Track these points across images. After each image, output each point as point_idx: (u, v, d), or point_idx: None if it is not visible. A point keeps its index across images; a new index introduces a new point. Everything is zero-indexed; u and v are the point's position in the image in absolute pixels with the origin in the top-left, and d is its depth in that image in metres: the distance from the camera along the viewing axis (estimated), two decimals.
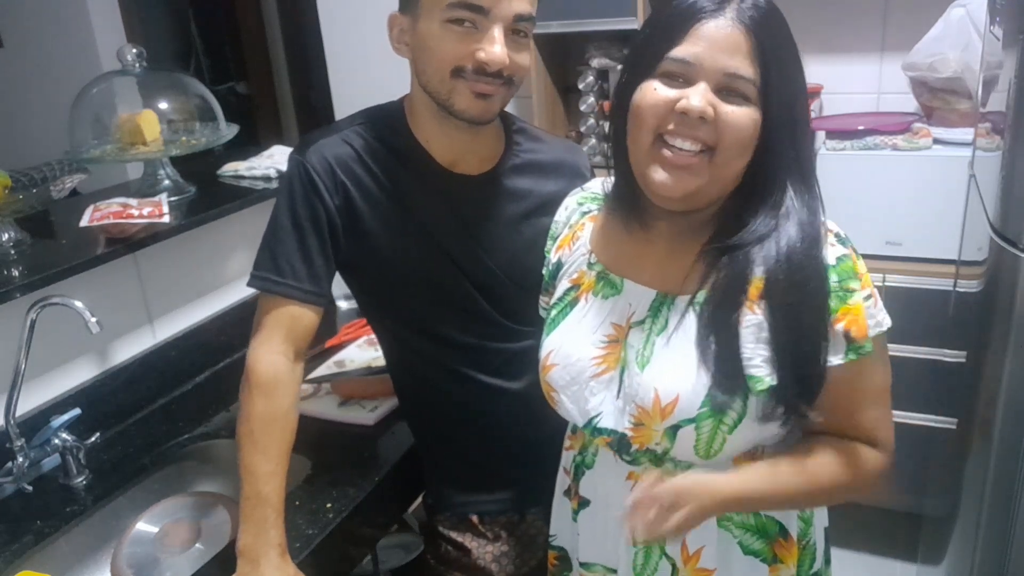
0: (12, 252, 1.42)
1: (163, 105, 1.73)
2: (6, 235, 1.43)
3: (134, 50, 1.69)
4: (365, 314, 1.29)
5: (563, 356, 0.98)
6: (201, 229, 1.65)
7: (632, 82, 0.90)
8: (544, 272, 1.12)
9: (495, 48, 1.01)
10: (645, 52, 0.89)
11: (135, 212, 1.46)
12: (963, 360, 1.71)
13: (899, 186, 1.97)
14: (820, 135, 2.12)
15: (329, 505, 1.21)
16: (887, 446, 0.93)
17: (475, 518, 1.24)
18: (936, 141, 1.99)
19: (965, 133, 1.92)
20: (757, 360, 0.87)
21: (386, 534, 1.48)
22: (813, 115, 2.23)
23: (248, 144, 2.26)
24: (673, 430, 0.89)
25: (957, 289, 1.85)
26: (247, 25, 4.22)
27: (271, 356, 1.08)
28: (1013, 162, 1.26)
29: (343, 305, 1.91)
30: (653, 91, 0.87)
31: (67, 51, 3.18)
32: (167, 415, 1.54)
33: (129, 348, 1.57)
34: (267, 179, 1.86)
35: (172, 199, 1.67)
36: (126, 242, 1.46)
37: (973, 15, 1.92)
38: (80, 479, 1.33)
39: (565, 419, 1.04)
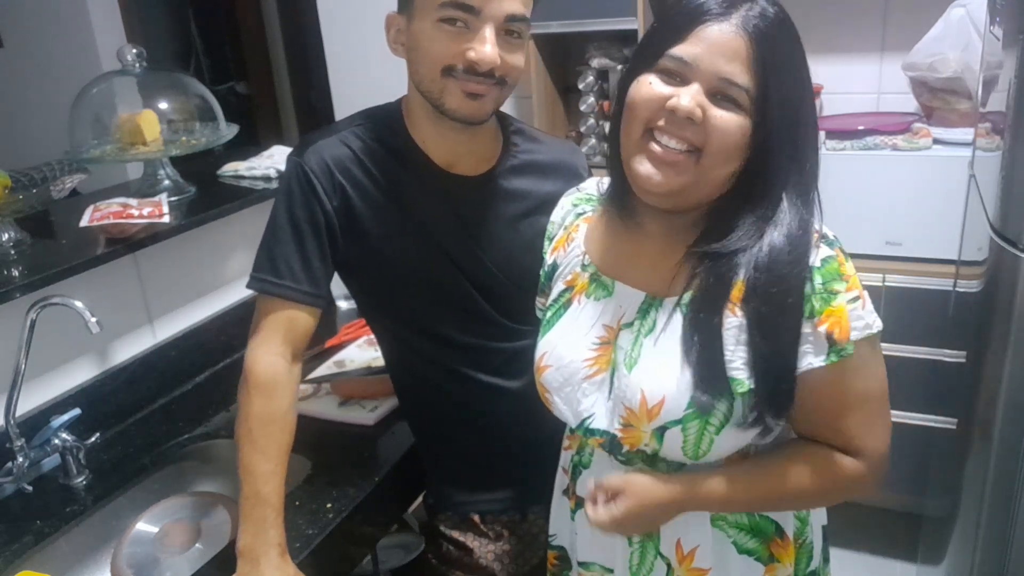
0: (12, 252, 1.42)
1: (163, 105, 1.73)
2: (6, 235, 1.43)
3: (134, 50, 1.69)
4: (364, 314, 1.29)
5: (556, 358, 0.99)
6: (201, 229, 1.65)
7: (633, 73, 0.91)
8: (541, 273, 1.12)
9: (486, 48, 1.01)
10: (649, 45, 0.90)
11: (135, 212, 1.46)
12: (963, 360, 1.71)
13: (899, 186, 1.97)
14: (820, 135, 2.12)
15: (329, 505, 1.21)
16: (872, 454, 0.91)
17: (476, 517, 1.25)
18: (936, 141, 2.00)
19: (965, 133, 1.92)
20: (738, 362, 0.87)
21: (386, 534, 1.48)
22: None
23: (248, 144, 2.26)
24: (660, 431, 0.89)
25: (957, 289, 1.85)
26: (247, 25, 4.22)
27: (269, 357, 1.08)
28: (1013, 162, 1.26)
29: (343, 305, 1.91)
30: (648, 85, 0.87)
31: (67, 51, 3.18)
32: (167, 415, 1.54)
33: (129, 348, 1.57)
34: (267, 179, 1.86)
35: (172, 199, 1.67)
36: (126, 242, 1.46)
37: (973, 15, 1.92)
38: (80, 479, 1.33)
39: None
